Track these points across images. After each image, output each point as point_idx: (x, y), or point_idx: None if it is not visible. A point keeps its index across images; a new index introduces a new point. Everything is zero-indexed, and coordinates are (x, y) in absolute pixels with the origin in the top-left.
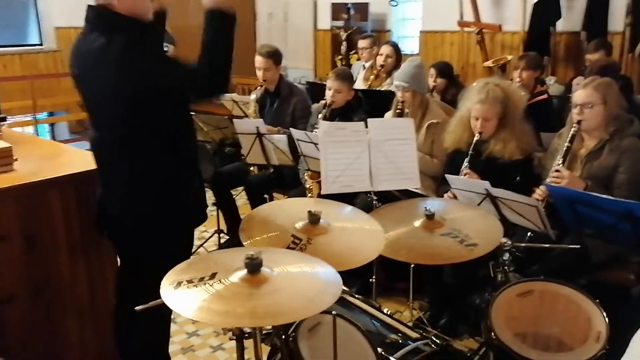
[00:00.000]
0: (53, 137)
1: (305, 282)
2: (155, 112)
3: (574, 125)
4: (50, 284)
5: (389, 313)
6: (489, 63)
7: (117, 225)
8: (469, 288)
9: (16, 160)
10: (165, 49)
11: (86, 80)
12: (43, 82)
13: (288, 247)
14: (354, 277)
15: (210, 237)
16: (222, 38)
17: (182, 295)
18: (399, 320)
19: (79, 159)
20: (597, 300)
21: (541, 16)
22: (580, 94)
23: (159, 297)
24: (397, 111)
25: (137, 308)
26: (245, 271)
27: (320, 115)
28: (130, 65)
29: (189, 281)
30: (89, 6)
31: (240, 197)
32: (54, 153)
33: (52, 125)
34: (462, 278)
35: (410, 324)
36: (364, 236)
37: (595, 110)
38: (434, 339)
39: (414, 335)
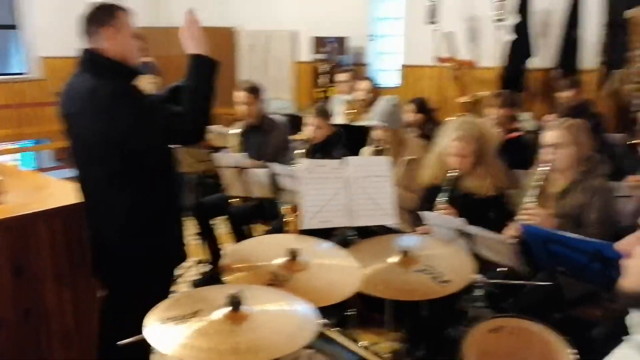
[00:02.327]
0: (38, 165)
1: (284, 320)
2: (142, 150)
3: (545, 164)
4: (36, 311)
5: (366, 345)
6: (463, 99)
7: (104, 258)
8: (444, 321)
9: (5, 192)
10: (151, 81)
11: (76, 119)
12: (28, 111)
13: (268, 284)
14: (332, 309)
15: (191, 267)
16: (205, 84)
17: (165, 333)
18: (376, 352)
19: (66, 191)
20: (567, 337)
21: (515, 53)
22: (552, 134)
23: (141, 331)
24: (376, 148)
25: (119, 343)
26: (226, 309)
27: (300, 151)
28: (116, 111)
29: (172, 318)
30: (83, 49)
31: (221, 227)
32: (42, 185)
33: (36, 153)
34: (438, 311)
35: (387, 356)
36: (341, 273)
37: (566, 151)
38: None
39: None
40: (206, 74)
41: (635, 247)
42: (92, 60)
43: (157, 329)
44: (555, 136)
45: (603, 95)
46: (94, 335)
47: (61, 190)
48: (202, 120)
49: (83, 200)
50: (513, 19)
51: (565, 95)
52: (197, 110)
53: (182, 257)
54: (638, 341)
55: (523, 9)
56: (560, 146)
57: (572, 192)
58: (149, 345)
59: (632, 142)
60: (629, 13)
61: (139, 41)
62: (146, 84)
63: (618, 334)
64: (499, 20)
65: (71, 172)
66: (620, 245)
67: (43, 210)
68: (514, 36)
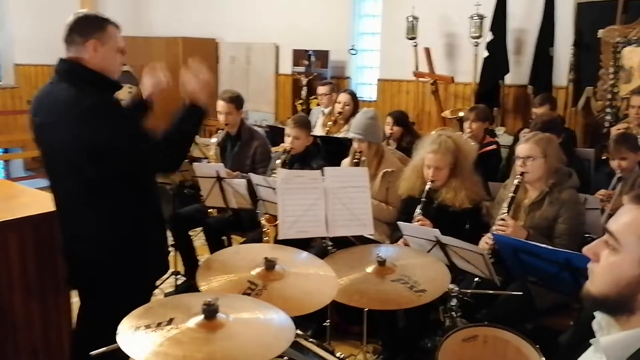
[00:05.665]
0: (8, 174)
1: (259, 328)
2: (119, 161)
3: (518, 176)
4: (3, 323)
5: (342, 357)
6: (447, 114)
7: (78, 269)
8: (420, 331)
9: None
10: (128, 90)
11: (51, 128)
12: (0, 119)
13: (244, 293)
14: (308, 321)
15: (167, 278)
16: (191, 130)
17: (138, 340)
18: None
19: (38, 200)
20: (538, 346)
21: (490, 70)
22: (523, 147)
23: (115, 341)
24: (355, 160)
25: (92, 353)
26: (202, 317)
27: (278, 161)
28: (96, 122)
29: (147, 326)
30: (61, 59)
31: (198, 238)
32: (13, 194)
33: (6, 162)
34: (414, 322)
35: None
36: (318, 282)
37: (536, 163)
38: None
39: None
40: (197, 121)
41: (602, 251)
42: (71, 70)
43: (129, 336)
44: (526, 149)
45: (575, 111)
46: (64, 349)
47: (32, 199)
48: (178, 159)
49: (55, 210)
50: (489, 37)
51: (540, 110)
52: (177, 149)
53: (163, 268)
54: (604, 344)
55: (499, 27)
56: (530, 158)
57: (542, 203)
58: (124, 357)
59: (602, 157)
60: (600, 33)
61: (123, 57)
62: (123, 92)
63: (585, 338)
64: (476, 37)
65: (43, 182)
66: (587, 249)
67: (13, 220)
68: (490, 53)
